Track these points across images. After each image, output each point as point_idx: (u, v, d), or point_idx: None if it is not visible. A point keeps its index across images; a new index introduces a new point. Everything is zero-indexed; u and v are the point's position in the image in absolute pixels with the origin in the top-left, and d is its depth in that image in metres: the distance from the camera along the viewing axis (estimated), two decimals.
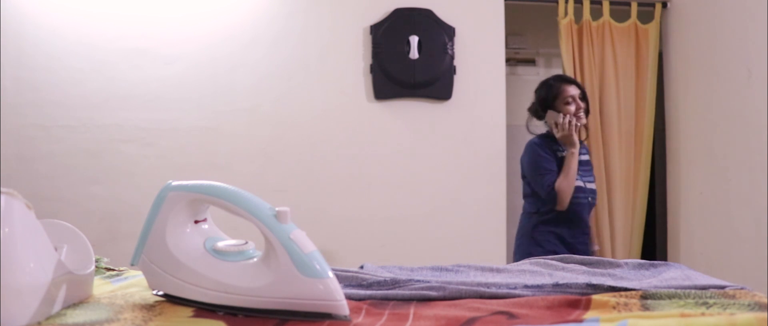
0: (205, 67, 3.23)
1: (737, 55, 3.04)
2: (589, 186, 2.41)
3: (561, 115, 2.31)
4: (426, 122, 3.36)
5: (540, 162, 2.32)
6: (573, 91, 2.36)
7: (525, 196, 2.50)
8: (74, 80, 3.15)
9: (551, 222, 2.36)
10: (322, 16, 3.32)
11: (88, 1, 3.16)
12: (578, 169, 2.36)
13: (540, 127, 2.51)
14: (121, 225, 3.12)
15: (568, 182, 2.28)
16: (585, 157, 2.47)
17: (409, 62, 3.27)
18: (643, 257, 3.60)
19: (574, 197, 2.31)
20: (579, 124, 2.33)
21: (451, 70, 3.32)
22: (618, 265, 1.26)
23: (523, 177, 2.45)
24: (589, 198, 2.40)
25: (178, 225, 0.99)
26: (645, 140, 3.56)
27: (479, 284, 1.09)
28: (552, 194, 2.27)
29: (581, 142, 2.45)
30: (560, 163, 2.33)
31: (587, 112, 2.42)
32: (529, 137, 2.51)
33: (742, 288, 1.02)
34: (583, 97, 2.40)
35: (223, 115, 3.24)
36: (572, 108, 2.33)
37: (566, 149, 2.33)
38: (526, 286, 1.07)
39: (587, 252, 2.44)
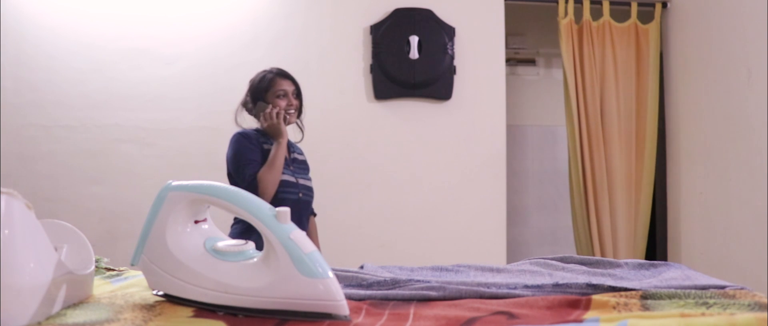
0: (205, 67, 3.23)
1: (737, 55, 3.04)
2: (303, 182, 2.31)
3: (270, 105, 2.23)
4: (426, 122, 3.36)
5: (243, 152, 2.18)
6: (287, 86, 2.28)
7: None
8: (74, 80, 3.15)
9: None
10: (322, 16, 3.32)
11: (88, 1, 3.16)
12: (291, 166, 2.28)
13: (250, 122, 2.36)
14: (121, 225, 3.12)
15: (272, 174, 2.15)
16: (301, 157, 2.39)
17: (409, 62, 3.27)
18: (643, 257, 3.59)
19: (280, 191, 2.18)
20: (288, 119, 2.26)
21: (451, 70, 3.32)
22: (618, 265, 1.26)
23: (229, 175, 2.26)
24: (301, 194, 2.28)
25: (178, 225, 0.99)
26: (648, 140, 3.55)
27: (479, 284, 1.09)
28: (253, 185, 2.12)
29: (295, 144, 2.39)
30: (266, 155, 2.21)
31: (300, 111, 2.34)
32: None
33: (742, 288, 1.02)
34: (298, 95, 2.32)
35: (223, 115, 3.22)
36: (283, 103, 2.26)
37: (272, 139, 2.23)
38: (526, 286, 1.07)
39: None
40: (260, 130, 2.28)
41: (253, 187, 2.12)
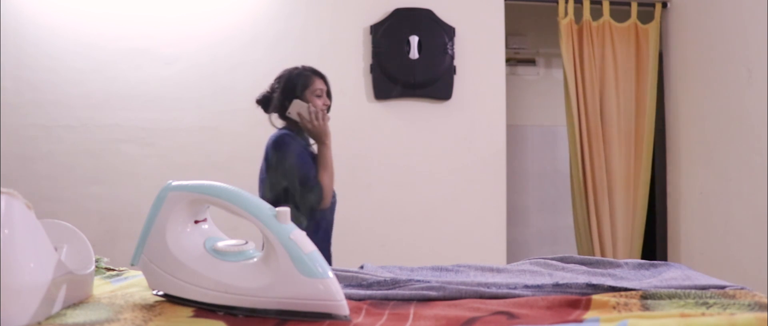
0: (205, 67, 3.23)
1: (737, 55, 3.04)
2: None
3: (308, 105, 2.11)
4: (426, 122, 3.36)
5: (298, 156, 2.10)
6: (322, 85, 2.19)
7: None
8: (74, 80, 3.15)
9: (307, 227, 2.05)
10: (322, 16, 3.32)
11: (88, 1, 3.16)
12: None
13: (278, 122, 2.25)
14: (121, 225, 3.12)
15: (329, 176, 2.10)
16: None
17: (409, 62, 3.27)
18: (643, 257, 3.60)
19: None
20: (328, 117, 2.15)
21: (451, 70, 3.32)
22: (618, 265, 1.26)
23: (262, 179, 2.16)
24: (335, 197, 2.24)
25: (178, 225, 0.99)
26: (645, 140, 3.55)
27: (479, 284, 1.09)
28: (317, 191, 2.05)
29: None
30: (312, 158, 2.14)
31: (328, 110, 2.23)
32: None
33: (742, 288, 1.02)
34: (329, 94, 2.22)
35: (223, 115, 3.24)
36: (320, 102, 2.15)
37: (318, 142, 2.14)
38: (526, 286, 1.07)
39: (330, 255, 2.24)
40: (295, 128, 2.18)
41: (317, 193, 2.07)
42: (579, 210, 3.54)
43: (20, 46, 3.12)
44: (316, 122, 2.11)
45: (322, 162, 2.11)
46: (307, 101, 2.14)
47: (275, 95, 2.19)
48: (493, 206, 3.40)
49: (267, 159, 2.16)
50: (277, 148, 2.11)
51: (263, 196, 2.14)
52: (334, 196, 2.21)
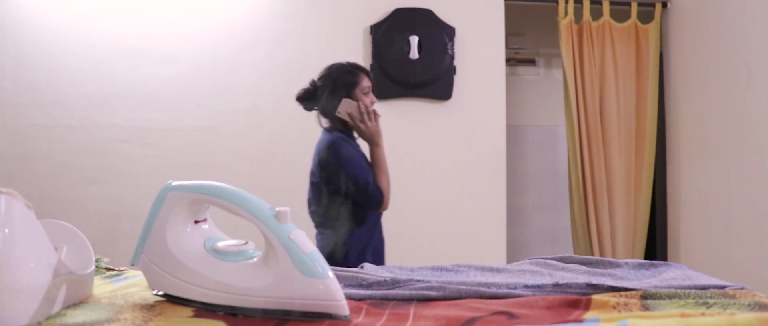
0: (205, 67, 3.23)
1: (737, 55, 3.04)
2: None
3: (358, 104, 2.01)
4: (426, 122, 3.35)
5: (356, 159, 2.03)
6: (369, 82, 2.10)
7: (311, 202, 2.11)
8: (74, 80, 3.15)
9: (363, 229, 2.06)
10: (322, 16, 3.32)
11: (88, 1, 3.16)
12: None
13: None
14: (121, 225, 3.12)
15: (386, 178, 2.04)
16: None
17: (409, 62, 3.27)
18: (643, 257, 3.59)
19: None
20: (378, 115, 2.08)
21: (451, 70, 3.32)
22: (618, 265, 1.26)
23: (315, 182, 2.07)
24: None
25: (178, 225, 0.99)
26: (647, 140, 3.55)
27: (479, 284, 1.09)
28: (377, 195, 2.00)
29: None
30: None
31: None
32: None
33: (742, 288, 1.02)
34: (374, 90, 2.14)
35: (223, 115, 3.24)
36: (368, 101, 2.07)
37: (370, 143, 2.07)
38: (526, 286, 1.07)
39: (382, 255, 2.21)
40: (345, 129, 2.10)
41: (377, 197, 2.02)
42: (577, 210, 3.53)
43: (20, 46, 3.11)
44: (368, 123, 2.04)
45: (377, 164, 2.05)
46: (356, 100, 2.05)
47: (321, 93, 2.08)
48: (493, 206, 3.40)
49: (320, 163, 2.06)
50: (331, 153, 2.02)
51: (317, 200, 2.08)
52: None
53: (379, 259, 2.14)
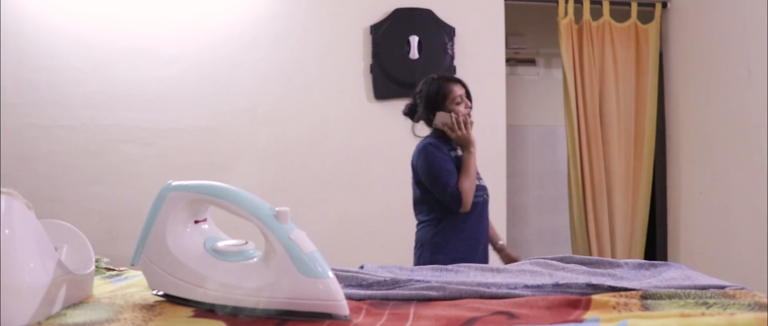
0: (205, 67, 3.23)
1: (737, 55, 3.04)
2: (482, 183, 2.34)
3: (451, 114, 2.19)
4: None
5: (440, 164, 2.19)
6: (460, 90, 2.26)
7: (416, 203, 2.32)
8: (74, 80, 3.15)
9: (453, 226, 2.23)
10: (322, 16, 3.32)
11: (88, 1, 3.16)
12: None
13: (423, 130, 2.34)
14: (121, 225, 3.12)
15: (470, 182, 2.19)
16: None
17: (409, 62, 3.27)
18: (642, 257, 3.59)
19: (475, 196, 2.22)
20: (472, 123, 2.23)
21: (451, 70, 3.32)
22: (618, 265, 1.26)
23: (418, 182, 2.27)
24: (485, 196, 2.34)
25: (178, 225, 0.99)
26: (646, 140, 3.55)
27: (479, 284, 1.09)
28: (456, 196, 2.16)
29: None
30: (456, 163, 2.23)
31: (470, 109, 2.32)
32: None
33: (742, 288, 1.02)
34: (469, 95, 2.29)
35: (223, 115, 3.24)
36: (462, 108, 2.23)
37: (463, 149, 2.23)
38: (526, 286, 1.07)
39: (486, 254, 2.37)
40: (441, 135, 2.26)
41: (455, 199, 2.16)
42: (576, 210, 3.53)
43: (20, 46, 3.11)
44: (460, 132, 2.19)
45: (464, 168, 2.19)
46: (449, 111, 2.21)
47: (419, 109, 2.28)
48: (493, 206, 3.38)
49: (412, 165, 2.27)
50: (420, 156, 2.22)
51: (414, 197, 2.30)
52: (487, 195, 2.33)
53: (473, 250, 2.27)
